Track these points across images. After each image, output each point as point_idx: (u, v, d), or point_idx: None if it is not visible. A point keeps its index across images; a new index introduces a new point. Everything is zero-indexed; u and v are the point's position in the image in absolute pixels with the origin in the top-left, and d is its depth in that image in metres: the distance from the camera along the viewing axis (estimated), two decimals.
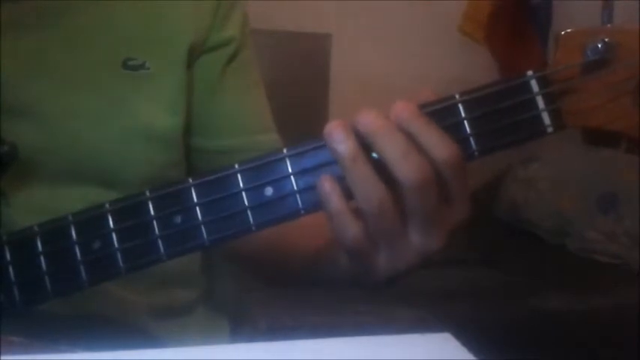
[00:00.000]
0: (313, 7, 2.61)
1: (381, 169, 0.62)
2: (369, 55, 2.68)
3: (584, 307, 2.07)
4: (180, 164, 0.87)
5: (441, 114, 0.63)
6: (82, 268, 0.67)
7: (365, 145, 0.63)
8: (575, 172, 2.49)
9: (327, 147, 0.63)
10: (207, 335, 0.90)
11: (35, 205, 0.77)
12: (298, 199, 0.65)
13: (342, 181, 0.63)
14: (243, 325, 0.97)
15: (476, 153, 0.64)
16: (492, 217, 2.61)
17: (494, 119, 0.63)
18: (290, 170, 0.65)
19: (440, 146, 0.61)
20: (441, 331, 0.54)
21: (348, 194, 0.63)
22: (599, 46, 0.62)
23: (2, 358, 0.53)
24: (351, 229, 0.63)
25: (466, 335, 0.55)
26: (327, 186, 0.63)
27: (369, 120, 0.62)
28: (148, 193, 0.66)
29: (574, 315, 2.06)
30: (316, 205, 0.64)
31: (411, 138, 0.62)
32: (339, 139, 0.62)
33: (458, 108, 0.63)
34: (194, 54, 0.86)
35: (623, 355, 1.94)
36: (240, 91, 0.91)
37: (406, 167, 0.61)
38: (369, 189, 0.62)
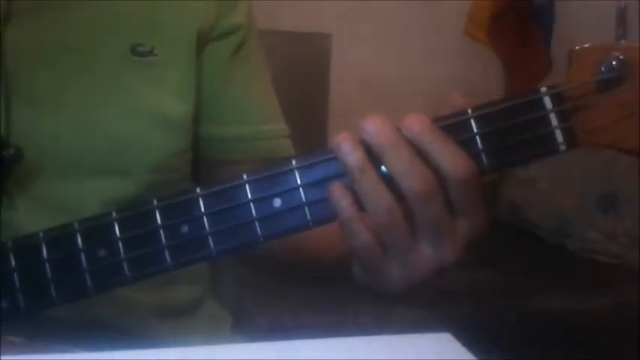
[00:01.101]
0: (313, 7, 2.61)
1: (390, 179, 0.62)
2: (369, 55, 2.68)
3: (584, 307, 2.08)
4: (186, 153, 0.87)
5: (453, 129, 0.63)
6: (87, 276, 0.67)
7: (373, 155, 0.62)
8: (575, 172, 2.49)
9: (337, 158, 0.63)
10: (207, 334, 0.90)
11: (40, 200, 0.77)
12: (307, 211, 0.64)
13: (352, 191, 0.63)
14: (243, 325, 0.97)
15: (487, 169, 0.63)
16: (492, 217, 2.61)
17: (507, 135, 0.62)
18: (299, 182, 0.64)
19: (452, 161, 0.61)
20: (441, 331, 0.54)
21: (358, 205, 0.63)
22: (614, 63, 0.61)
23: (2, 358, 0.53)
24: (362, 238, 0.63)
25: (466, 335, 0.55)
26: (338, 193, 0.62)
27: (374, 130, 0.62)
28: (155, 203, 0.66)
29: (574, 315, 2.06)
30: (325, 217, 0.64)
31: (420, 151, 0.61)
32: (346, 150, 0.62)
33: (470, 123, 0.63)
34: (202, 41, 0.86)
35: (623, 355, 1.94)
36: (248, 79, 0.91)
37: (410, 180, 0.61)
38: (378, 199, 0.62)
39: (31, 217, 0.75)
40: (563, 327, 2.03)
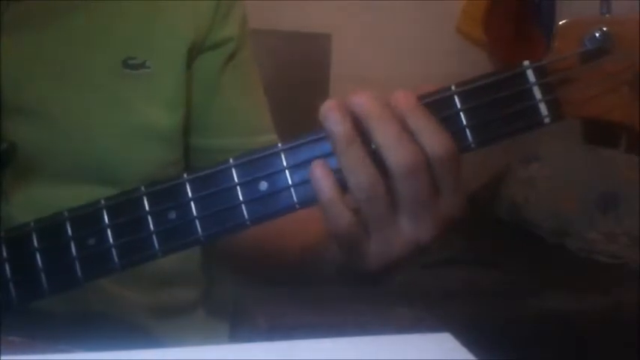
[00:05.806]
0: (313, 7, 2.61)
1: (374, 156, 0.62)
2: (369, 55, 2.68)
3: (584, 307, 2.07)
4: (179, 163, 0.88)
5: (436, 105, 0.63)
6: (77, 264, 0.67)
7: (361, 129, 0.62)
8: (575, 171, 2.49)
9: (323, 126, 0.62)
10: (206, 335, 0.90)
11: (35, 203, 0.78)
12: (293, 193, 0.64)
13: (335, 172, 0.63)
14: (243, 325, 0.97)
15: (472, 145, 0.63)
16: (492, 217, 2.61)
17: (491, 110, 0.63)
18: (285, 164, 0.64)
19: (435, 140, 0.61)
20: (441, 331, 0.54)
21: (340, 184, 0.63)
22: (597, 35, 0.62)
23: (2, 358, 0.53)
24: (344, 217, 0.62)
25: (466, 335, 0.55)
26: (319, 172, 0.62)
27: (362, 101, 0.62)
28: (143, 189, 0.66)
29: (574, 315, 2.06)
30: (311, 199, 0.64)
31: (406, 127, 0.62)
32: (335, 120, 0.62)
33: (454, 99, 0.63)
34: (193, 53, 0.86)
35: (623, 355, 1.95)
36: (239, 90, 0.91)
37: (398, 153, 0.61)
38: (362, 173, 0.61)
39: (25, 214, 0.75)
40: (563, 327, 2.03)
